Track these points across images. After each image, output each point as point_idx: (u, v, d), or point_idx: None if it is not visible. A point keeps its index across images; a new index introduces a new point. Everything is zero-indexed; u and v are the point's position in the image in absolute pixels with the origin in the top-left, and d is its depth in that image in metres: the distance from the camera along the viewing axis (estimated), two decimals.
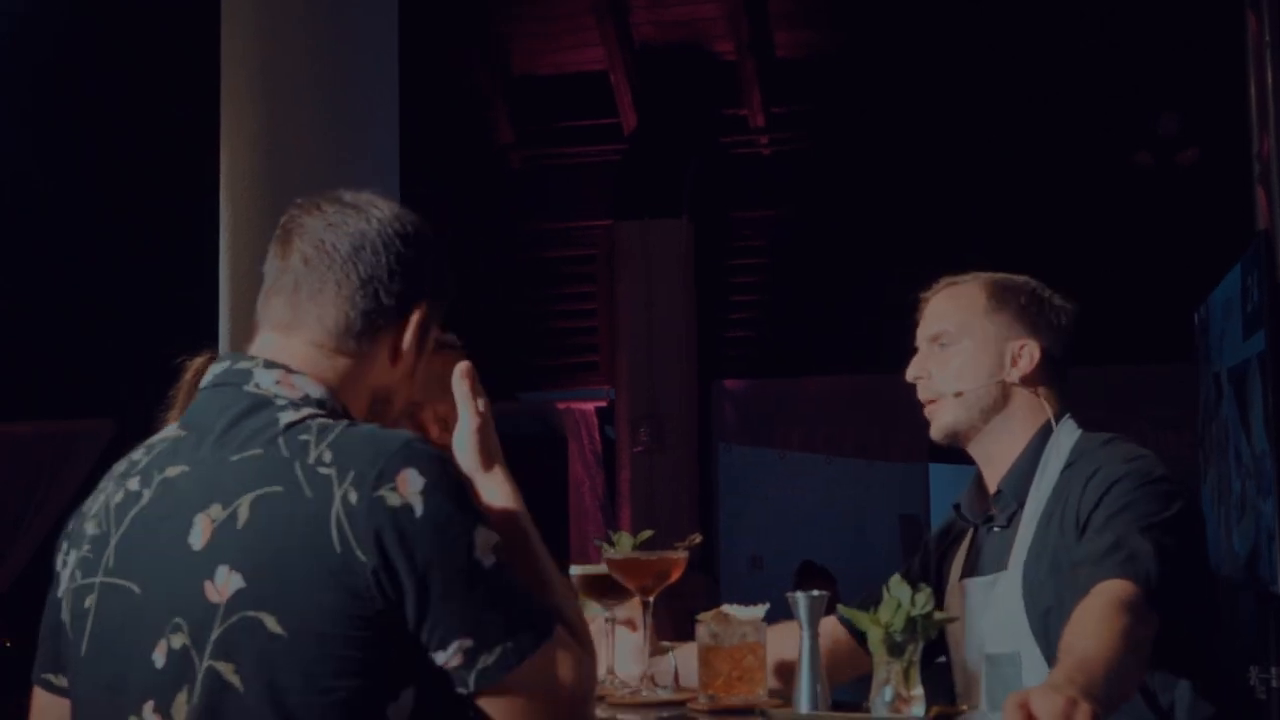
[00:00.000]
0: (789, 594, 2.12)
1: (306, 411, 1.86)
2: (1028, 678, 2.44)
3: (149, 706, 1.79)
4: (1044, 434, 2.62)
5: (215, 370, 1.96)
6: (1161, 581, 2.29)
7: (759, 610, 2.39)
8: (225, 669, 1.75)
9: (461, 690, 1.75)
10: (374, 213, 1.95)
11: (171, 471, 1.88)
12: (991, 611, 2.55)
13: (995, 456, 2.66)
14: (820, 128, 10.74)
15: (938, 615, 2.04)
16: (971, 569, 2.66)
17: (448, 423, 3.04)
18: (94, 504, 1.96)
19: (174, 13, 8.10)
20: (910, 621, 2.02)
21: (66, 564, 1.95)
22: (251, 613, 1.74)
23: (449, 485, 1.78)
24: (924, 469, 10.67)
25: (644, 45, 10.78)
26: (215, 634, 1.75)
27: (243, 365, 1.92)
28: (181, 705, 1.77)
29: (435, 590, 1.73)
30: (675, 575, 2.41)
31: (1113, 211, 9.90)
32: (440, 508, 1.75)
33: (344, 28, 5.74)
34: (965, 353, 2.64)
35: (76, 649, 1.90)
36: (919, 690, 2.03)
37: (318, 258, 1.93)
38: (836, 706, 2.09)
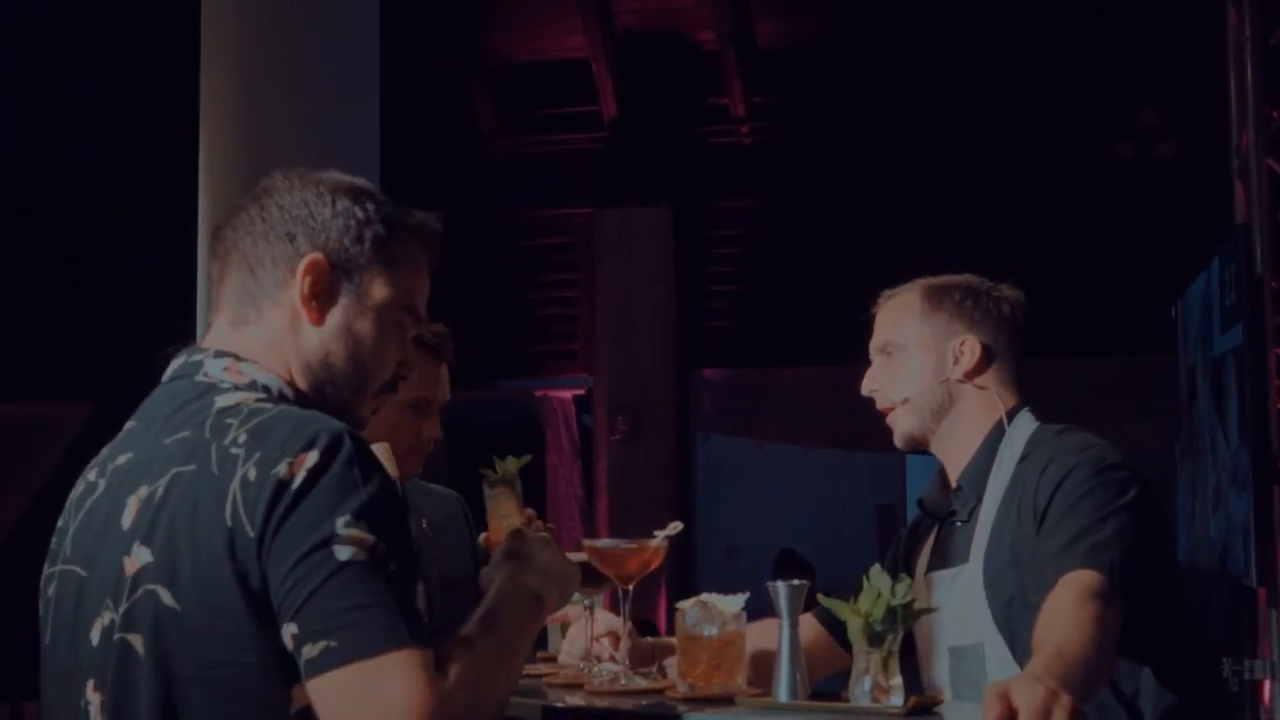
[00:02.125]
0: (769, 583, 2.12)
1: (244, 395, 1.86)
2: (991, 669, 2.45)
3: (90, 684, 1.82)
4: (999, 429, 2.65)
5: (174, 365, 1.98)
6: (1125, 568, 2.33)
7: (739, 600, 2.39)
8: (135, 640, 1.77)
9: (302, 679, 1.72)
10: (268, 187, 1.97)
11: (120, 460, 1.90)
12: (954, 604, 2.56)
13: (953, 454, 2.70)
14: (801, 118, 10.75)
15: (917, 605, 2.04)
16: (937, 563, 2.69)
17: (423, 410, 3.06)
18: (68, 500, 1.98)
19: (153, 4, 8.07)
20: (890, 611, 2.03)
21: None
22: (152, 585, 1.75)
23: (340, 473, 1.73)
24: (900, 459, 10.69)
25: (625, 33, 10.76)
26: (125, 606, 1.78)
27: (196, 358, 1.95)
28: (110, 680, 1.79)
29: (278, 564, 1.71)
30: (655, 564, 2.41)
31: (1092, 204, 9.93)
32: (316, 486, 1.72)
33: (324, 16, 5.73)
34: (908, 359, 2.69)
35: (43, 638, 1.94)
36: (898, 680, 2.04)
37: (218, 247, 1.97)
38: (816, 696, 2.09)
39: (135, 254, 8.75)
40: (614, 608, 2.61)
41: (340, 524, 1.71)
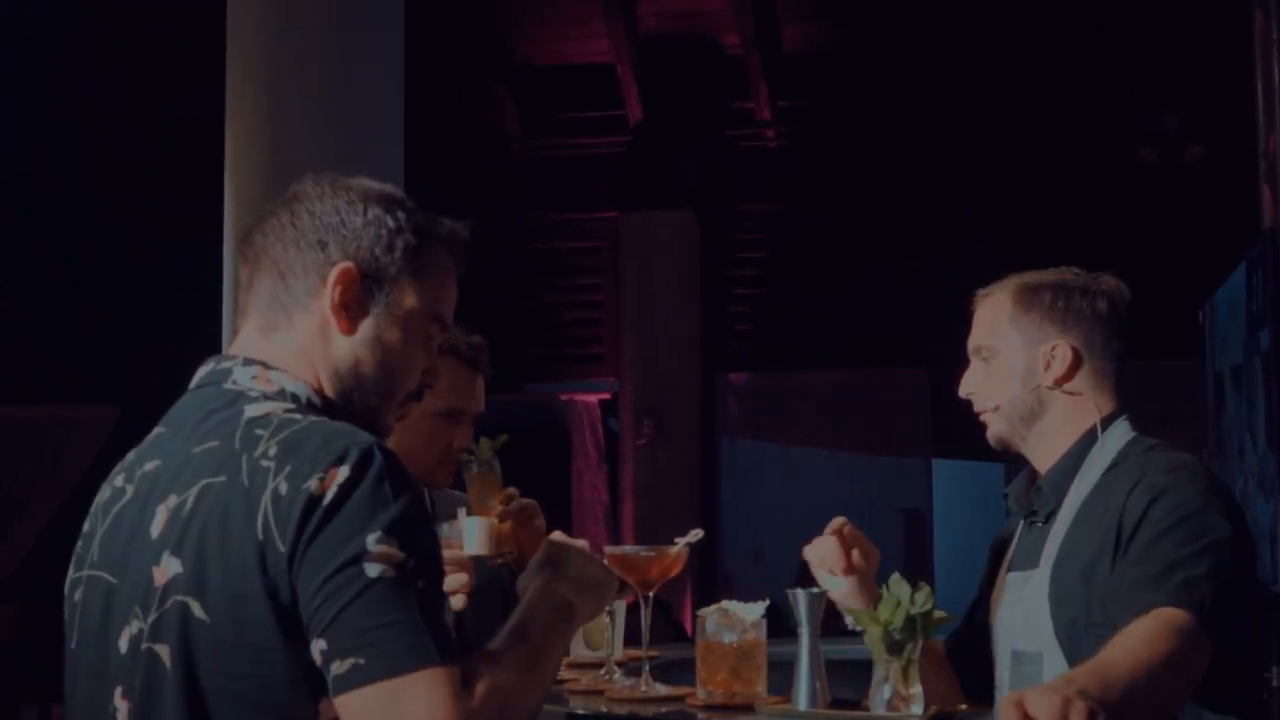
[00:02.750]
0: (789, 590, 2.12)
1: (273, 405, 1.86)
2: (1048, 679, 2.34)
3: (118, 692, 1.82)
4: (1091, 436, 2.58)
5: (201, 371, 1.98)
6: (1217, 608, 2.23)
7: (759, 607, 2.39)
8: (162, 651, 1.77)
9: (330, 694, 1.72)
10: (299, 193, 1.96)
11: (149, 466, 1.90)
12: (1021, 607, 2.53)
13: (1041, 457, 2.64)
14: (825, 122, 10.73)
15: (937, 614, 2.04)
16: (1016, 562, 2.65)
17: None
18: (94, 505, 1.99)
19: (179, 6, 8.10)
20: (909, 620, 2.02)
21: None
22: (182, 597, 1.76)
23: (371, 488, 1.73)
24: (926, 463, 10.68)
25: (649, 37, 10.77)
26: (154, 617, 1.78)
27: (224, 365, 1.94)
28: (138, 689, 1.79)
29: (308, 579, 1.71)
30: (675, 571, 2.41)
31: (1118, 208, 9.89)
32: (347, 501, 1.72)
33: (348, 20, 5.74)
34: (1001, 363, 2.62)
35: (69, 642, 1.94)
36: (918, 688, 2.03)
37: (248, 252, 1.96)
38: (836, 704, 2.09)
39: (162, 257, 8.78)
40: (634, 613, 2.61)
41: (371, 540, 1.71)
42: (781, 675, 2.21)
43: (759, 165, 11.00)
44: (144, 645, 1.79)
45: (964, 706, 2.09)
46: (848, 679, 2.26)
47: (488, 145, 11.12)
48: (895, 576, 2.06)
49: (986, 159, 10.11)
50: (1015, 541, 2.71)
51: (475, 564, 3.37)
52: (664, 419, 10.41)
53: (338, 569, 1.70)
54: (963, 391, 2.68)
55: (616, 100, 10.89)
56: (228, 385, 1.91)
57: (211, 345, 5.51)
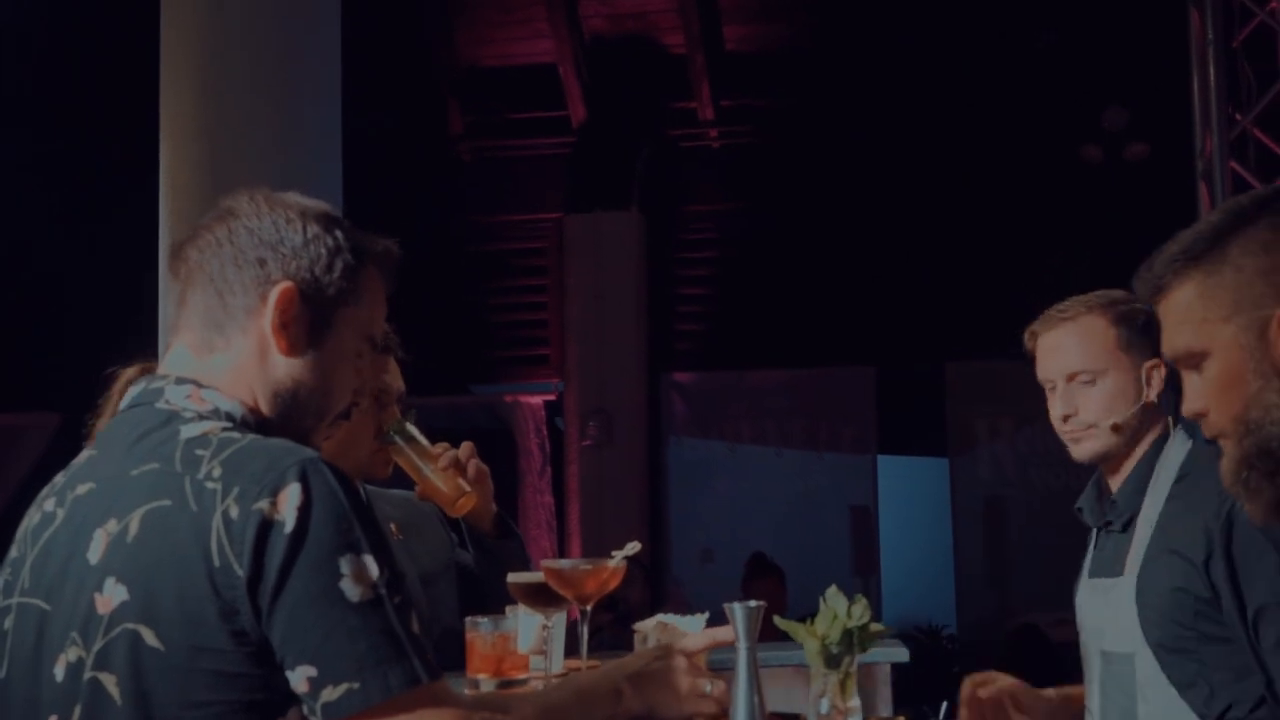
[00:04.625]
0: (726, 606, 2.10)
1: (210, 425, 1.83)
2: (1141, 679, 2.61)
3: None
4: (1159, 445, 2.75)
5: (133, 392, 1.95)
6: None
7: (699, 619, 2.38)
8: (107, 680, 1.74)
9: (311, 719, 1.72)
10: (234, 208, 1.93)
11: (81, 489, 1.87)
12: (1108, 612, 2.70)
13: (1119, 471, 2.79)
14: (769, 121, 10.75)
15: (874, 627, 2.03)
16: (1096, 569, 2.82)
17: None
18: (20, 530, 1.95)
19: (113, 8, 8.03)
20: (846, 633, 2.02)
21: None
22: (132, 625, 1.73)
23: (329, 507, 1.72)
24: (873, 460, 10.71)
25: (593, 38, 10.75)
26: (98, 645, 1.75)
27: (156, 385, 1.92)
28: (78, 717, 1.76)
29: (285, 609, 1.69)
30: (613, 585, 2.39)
31: (1062, 206, 9.95)
32: (310, 526, 1.71)
33: (285, 18, 5.69)
34: (1112, 386, 2.76)
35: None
36: (855, 701, 2.03)
37: (180, 268, 1.94)
38: (774, 719, 2.07)
39: (101, 261, 8.70)
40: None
41: (344, 563, 1.71)
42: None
43: (703, 165, 11.01)
44: (87, 675, 1.75)
45: (901, 718, 2.08)
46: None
47: (432, 146, 11.08)
48: (832, 589, 2.05)
49: (931, 157, 10.14)
50: (1092, 549, 2.88)
51: (433, 550, 3.35)
52: (610, 420, 10.40)
53: (317, 596, 1.69)
54: (1061, 412, 2.79)
55: (560, 101, 10.87)
56: (160, 405, 1.88)
57: (137, 360, 5.48)
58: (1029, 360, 2.85)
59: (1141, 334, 2.76)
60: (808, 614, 2.16)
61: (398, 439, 2.88)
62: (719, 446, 10.99)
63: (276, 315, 1.89)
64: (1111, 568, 2.74)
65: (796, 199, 10.57)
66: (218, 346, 1.90)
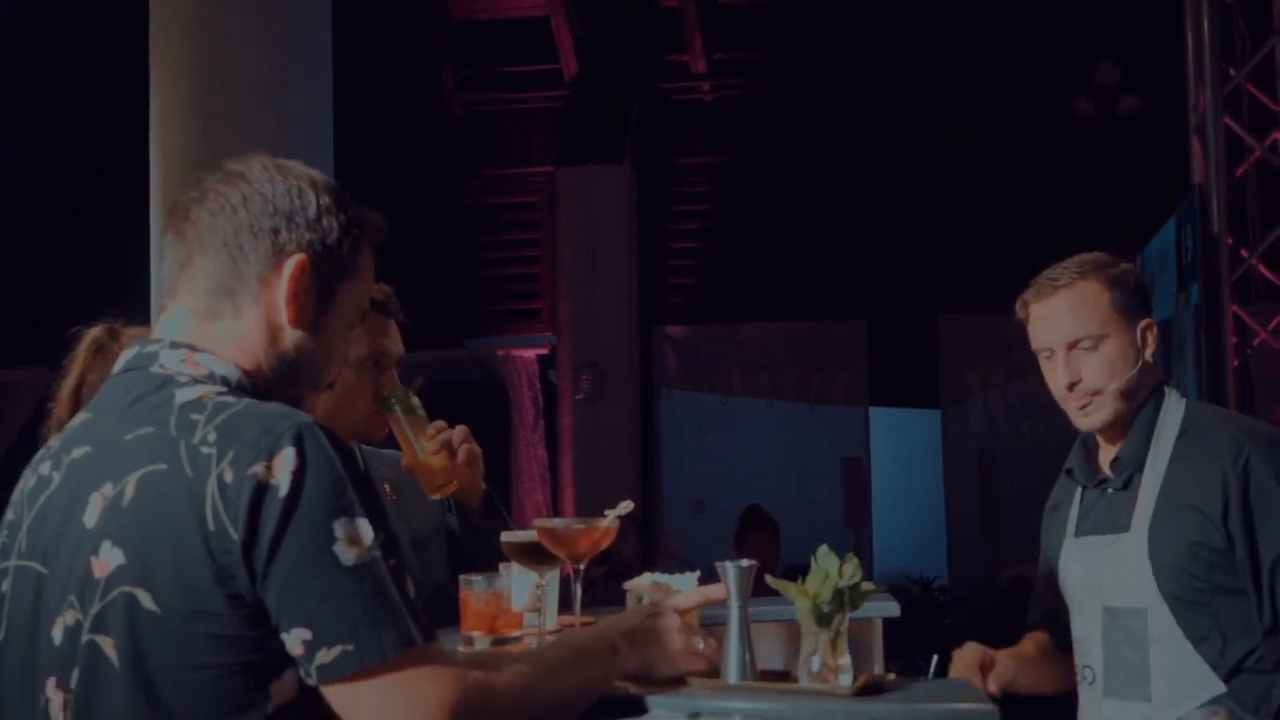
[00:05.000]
0: (718, 564, 2.12)
1: (205, 389, 1.84)
2: (1153, 632, 2.66)
3: (51, 682, 1.80)
4: (1155, 402, 2.79)
5: (126, 355, 1.95)
6: None
7: (691, 578, 2.39)
8: (105, 643, 1.75)
9: (307, 680, 1.74)
10: (247, 174, 1.91)
11: (76, 453, 1.88)
12: (1113, 569, 2.73)
13: (1117, 431, 2.81)
14: (762, 75, 10.72)
15: (864, 586, 2.05)
16: (1089, 527, 2.83)
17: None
18: (15, 493, 1.96)
19: None
20: (837, 592, 2.03)
21: None
22: (128, 588, 1.74)
23: (323, 471, 1.73)
24: (864, 412, 10.74)
25: None
26: (95, 609, 1.76)
27: (150, 349, 1.91)
28: (75, 680, 1.78)
29: (279, 572, 1.71)
30: (606, 543, 2.40)
31: (1054, 159, 9.94)
32: (304, 490, 1.71)
33: None
34: (1113, 350, 2.77)
35: None
36: (846, 659, 2.04)
37: (189, 229, 1.91)
38: (765, 677, 2.09)
39: (93, 216, 8.68)
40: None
41: (338, 526, 1.71)
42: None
43: (696, 118, 10.99)
44: (84, 637, 1.77)
45: (892, 676, 2.09)
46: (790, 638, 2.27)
47: (424, 100, 11.04)
48: (824, 549, 2.07)
49: (923, 110, 10.12)
50: (1078, 507, 2.89)
51: (425, 513, 3.37)
52: (603, 373, 10.42)
53: (311, 559, 1.70)
54: (1065, 381, 2.79)
55: (552, 55, 10.84)
56: (155, 369, 1.88)
57: (142, 306, 5.48)
58: (1011, 312, 2.86)
59: (1136, 295, 2.79)
60: (799, 566, 2.18)
61: (397, 408, 2.89)
62: (711, 399, 11.01)
63: (290, 286, 1.89)
64: (1112, 524, 2.77)
65: (789, 152, 10.55)
66: (225, 313, 1.90)
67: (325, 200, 1.93)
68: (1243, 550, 2.62)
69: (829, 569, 2.04)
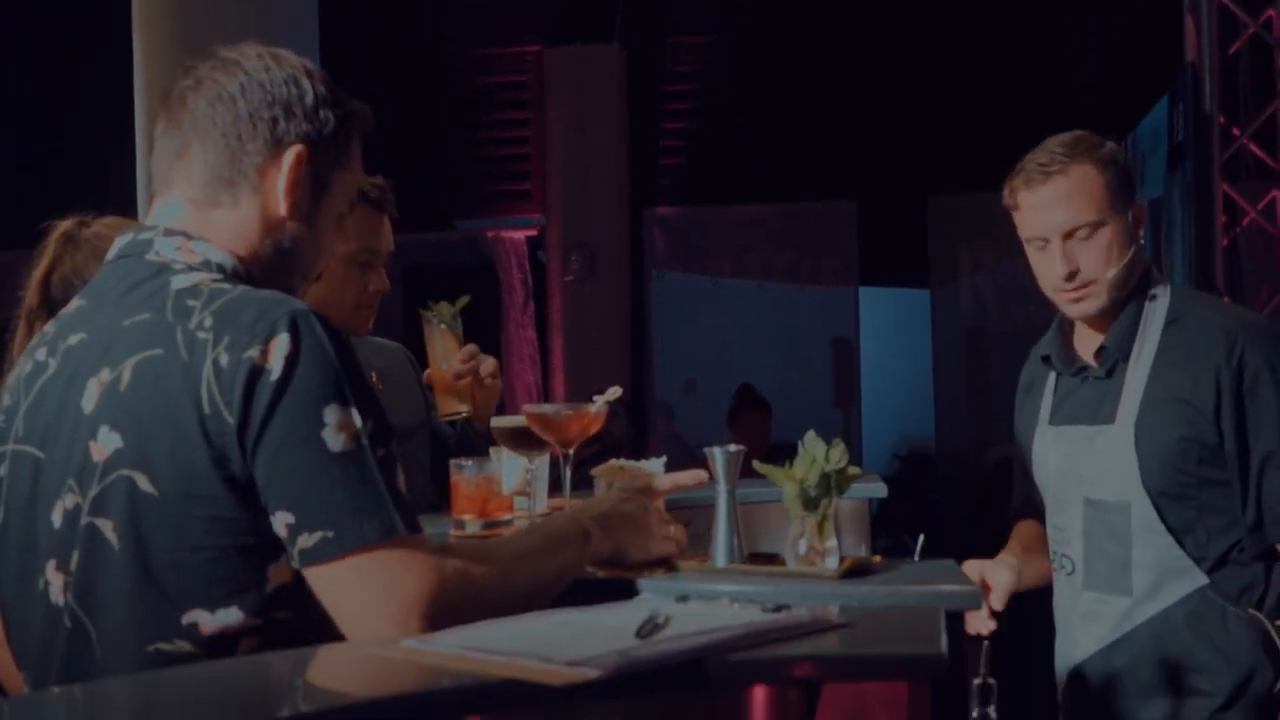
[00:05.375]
0: (705, 449, 2.14)
1: (201, 276, 1.85)
2: (1136, 525, 2.62)
3: (51, 565, 1.84)
4: (1142, 289, 2.71)
5: (120, 243, 1.96)
6: None
7: (657, 463, 2.42)
8: (104, 526, 1.78)
9: (291, 563, 1.76)
10: (243, 63, 1.92)
11: (73, 339, 1.90)
12: (1096, 460, 2.67)
13: (1105, 318, 2.73)
14: None
15: (851, 470, 2.07)
16: (1066, 416, 2.77)
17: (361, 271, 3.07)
18: (10, 379, 1.98)
19: None
20: (824, 477, 2.05)
21: None
22: (126, 471, 1.77)
23: (317, 357, 1.75)
24: (854, 292, 10.75)
25: None
26: (94, 492, 1.79)
27: (145, 236, 1.93)
28: (75, 562, 1.81)
29: (267, 454, 1.73)
30: (595, 428, 2.43)
31: (1043, 38, 9.86)
32: (296, 374, 1.73)
33: None
34: (1109, 237, 2.67)
35: None
36: (833, 542, 2.07)
37: (186, 117, 1.91)
38: (753, 560, 2.12)
39: (83, 97, 8.63)
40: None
41: (328, 412, 1.73)
42: (699, 530, 2.25)
43: None
44: (84, 520, 1.79)
45: (878, 558, 2.13)
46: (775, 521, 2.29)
47: None
48: (810, 434, 2.08)
49: None
50: (1055, 395, 2.82)
51: (409, 404, 3.39)
52: (593, 254, 10.41)
53: (299, 442, 1.72)
54: (1065, 271, 2.68)
55: None
56: (150, 257, 1.90)
57: (128, 186, 5.46)
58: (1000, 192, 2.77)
59: (1125, 178, 2.71)
60: (788, 445, 2.20)
61: (436, 320, 2.90)
62: (701, 280, 11.02)
63: (290, 177, 1.90)
64: (1094, 415, 2.71)
65: (779, 31, 10.45)
66: (223, 203, 1.91)
67: (321, 90, 1.94)
68: (1232, 445, 2.58)
69: (815, 454, 2.06)
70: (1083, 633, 2.72)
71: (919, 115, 9.87)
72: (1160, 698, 2.63)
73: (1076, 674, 2.75)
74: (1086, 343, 2.78)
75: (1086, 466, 2.69)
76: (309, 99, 1.92)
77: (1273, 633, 2.58)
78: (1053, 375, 2.83)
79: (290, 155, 1.90)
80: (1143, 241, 2.74)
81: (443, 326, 2.93)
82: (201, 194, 1.91)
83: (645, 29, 10.75)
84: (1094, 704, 2.73)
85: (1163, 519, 2.61)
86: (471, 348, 3.01)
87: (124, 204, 2.67)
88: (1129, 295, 2.71)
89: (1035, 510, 2.93)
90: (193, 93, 1.91)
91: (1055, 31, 9.83)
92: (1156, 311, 2.70)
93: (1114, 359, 2.70)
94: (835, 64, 10.18)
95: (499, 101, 11.03)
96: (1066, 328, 2.82)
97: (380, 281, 3.07)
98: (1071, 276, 2.67)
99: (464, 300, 3.01)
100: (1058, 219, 2.67)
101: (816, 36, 10.31)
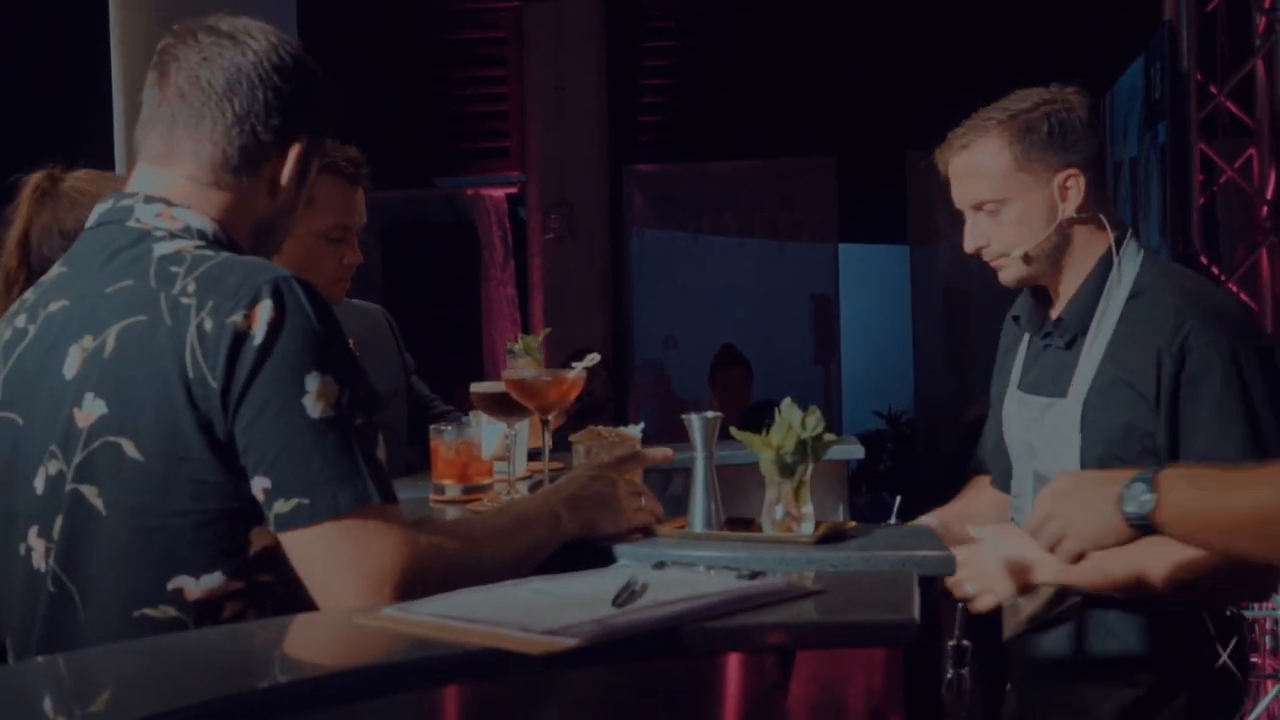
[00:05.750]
0: (683, 416, 2.15)
1: (183, 243, 1.87)
2: None
3: (33, 531, 1.85)
4: (1107, 260, 2.58)
5: (99, 210, 1.97)
6: None
7: (634, 430, 2.44)
8: (89, 492, 1.80)
9: (268, 528, 1.79)
10: (250, 44, 1.93)
11: (54, 306, 1.91)
12: (1045, 433, 2.58)
13: (1061, 287, 2.63)
14: None
15: (827, 437, 2.09)
16: (1030, 384, 2.68)
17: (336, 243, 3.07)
18: None
19: None
20: (800, 443, 2.07)
21: None
22: (112, 438, 1.78)
23: (299, 324, 1.77)
24: (834, 249, 10.76)
25: None
26: (79, 458, 1.80)
27: (125, 203, 1.94)
28: (59, 528, 1.82)
29: (246, 419, 1.75)
30: (574, 394, 2.44)
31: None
32: (278, 341, 1.75)
33: None
34: (1018, 213, 2.57)
35: None
36: (809, 508, 2.09)
37: (193, 93, 1.91)
38: (730, 525, 2.14)
39: (63, 56, 8.58)
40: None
41: (309, 379, 1.75)
42: (676, 491, 2.27)
43: None
44: (68, 486, 1.81)
45: (853, 524, 2.15)
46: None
47: None
48: (787, 401, 2.10)
49: None
50: (1024, 358, 2.74)
51: (387, 370, 3.41)
52: (572, 211, 10.40)
53: (279, 408, 1.74)
54: (970, 247, 2.62)
55: None
56: (131, 223, 1.91)
57: (105, 145, 5.43)
58: None
59: (1048, 144, 2.55)
60: (768, 403, 2.22)
61: (519, 354, 2.78)
62: (681, 237, 11.01)
63: (294, 167, 1.96)
64: (1051, 386, 2.61)
65: None
66: (224, 184, 1.93)
67: (325, 88, 1.99)
68: (1164, 439, 2.43)
69: (792, 420, 2.08)
70: (1027, 601, 2.59)
71: (898, 70, 9.86)
72: (1094, 676, 2.56)
73: (1016, 642, 2.67)
74: (1055, 308, 2.69)
75: (1037, 438, 2.61)
76: (315, 92, 1.97)
77: (1206, 617, 2.55)
78: (1026, 337, 2.76)
79: (298, 148, 1.95)
80: (1075, 211, 2.56)
81: (524, 360, 2.74)
82: (203, 173, 1.93)
83: None
84: (1033, 674, 2.66)
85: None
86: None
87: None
88: (1083, 260, 2.59)
89: (984, 470, 2.88)
90: (203, 67, 1.92)
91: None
92: (1122, 282, 2.57)
93: (1073, 331, 2.60)
94: (814, 19, 10.15)
95: (477, 58, 10.98)
96: (1037, 288, 2.72)
97: (354, 255, 3.08)
98: (980, 250, 2.62)
99: (546, 331, 2.88)
100: (965, 193, 2.62)
101: None
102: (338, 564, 1.75)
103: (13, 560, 1.88)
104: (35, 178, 2.51)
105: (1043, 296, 2.71)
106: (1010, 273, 2.62)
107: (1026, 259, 2.58)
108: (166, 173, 1.94)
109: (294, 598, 1.80)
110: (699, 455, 2.15)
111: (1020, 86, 2.65)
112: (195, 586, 1.78)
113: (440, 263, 10.28)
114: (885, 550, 2.00)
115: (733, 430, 2.14)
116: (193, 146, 1.92)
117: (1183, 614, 2.52)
